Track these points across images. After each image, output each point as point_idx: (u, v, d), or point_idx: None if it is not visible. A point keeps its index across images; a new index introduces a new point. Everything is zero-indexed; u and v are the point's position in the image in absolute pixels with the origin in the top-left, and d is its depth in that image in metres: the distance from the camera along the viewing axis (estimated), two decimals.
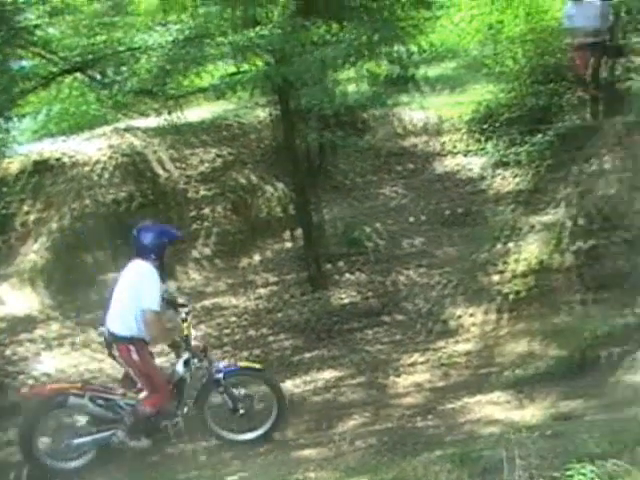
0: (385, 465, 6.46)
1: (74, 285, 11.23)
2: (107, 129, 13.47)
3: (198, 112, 14.03)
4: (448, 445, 6.90)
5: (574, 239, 10.28)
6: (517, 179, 12.63)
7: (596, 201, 10.41)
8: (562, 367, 8.81)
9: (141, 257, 7.79)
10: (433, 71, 16.75)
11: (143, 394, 7.75)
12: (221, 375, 8.12)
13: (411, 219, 12.95)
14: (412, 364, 9.77)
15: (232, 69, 12.00)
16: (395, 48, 12.92)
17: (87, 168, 12.24)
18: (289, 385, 8.79)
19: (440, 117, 14.94)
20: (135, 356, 7.61)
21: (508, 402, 8.45)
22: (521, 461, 4.93)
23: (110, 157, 12.43)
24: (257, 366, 8.92)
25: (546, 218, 11.06)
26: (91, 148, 12.61)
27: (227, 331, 10.89)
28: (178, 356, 8.08)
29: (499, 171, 13.14)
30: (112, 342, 7.77)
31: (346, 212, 13.06)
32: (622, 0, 15.19)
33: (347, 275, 11.80)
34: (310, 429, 8.54)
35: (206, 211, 12.66)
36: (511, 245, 11.15)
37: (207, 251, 12.35)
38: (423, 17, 12.99)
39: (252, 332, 10.87)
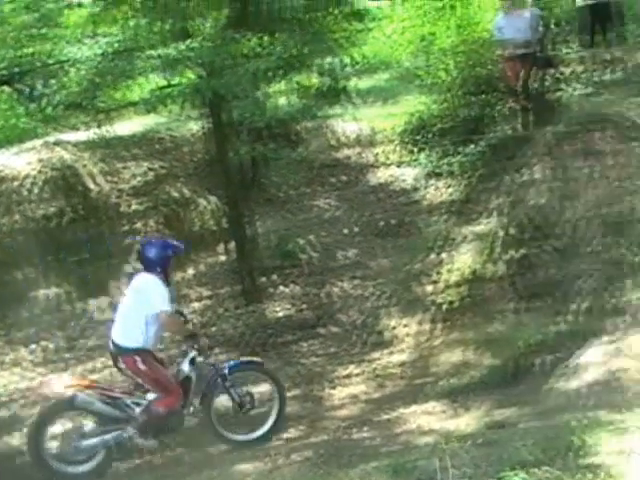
0: (321, 478, 6.41)
1: (4, 302, 10.98)
2: (37, 143, 13.17)
3: (130, 125, 13.86)
4: (384, 456, 6.86)
5: (506, 248, 10.35)
6: (450, 189, 12.69)
7: (527, 210, 10.50)
8: (496, 376, 8.86)
9: (147, 270, 8.04)
10: (366, 83, 16.75)
11: (153, 395, 7.92)
12: (226, 370, 8.33)
13: (345, 231, 12.92)
14: (347, 376, 9.75)
15: (164, 82, 11.89)
16: (327, 60, 12.94)
17: (16, 183, 11.97)
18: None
19: (373, 129, 14.95)
20: (141, 366, 7.80)
21: (443, 412, 8.47)
22: (455, 470, 4.92)
23: (40, 171, 12.17)
24: (259, 360, 9.19)
25: (479, 228, 11.12)
26: (20, 162, 12.34)
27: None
28: (195, 347, 8.29)
29: (432, 182, 13.18)
30: (117, 355, 7.97)
31: (280, 225, 12.97)
32: (551, 12, 15.48)
33: (281, 288, 11.73)
34: None
35: (138, 225, 12.49)
36: (444, 255, 11.19)
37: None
38: (355, 29, 13.03)
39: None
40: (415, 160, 13.82)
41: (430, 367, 9.77)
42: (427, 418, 8.35)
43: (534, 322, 9.42)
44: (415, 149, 13.98)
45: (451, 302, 10.40)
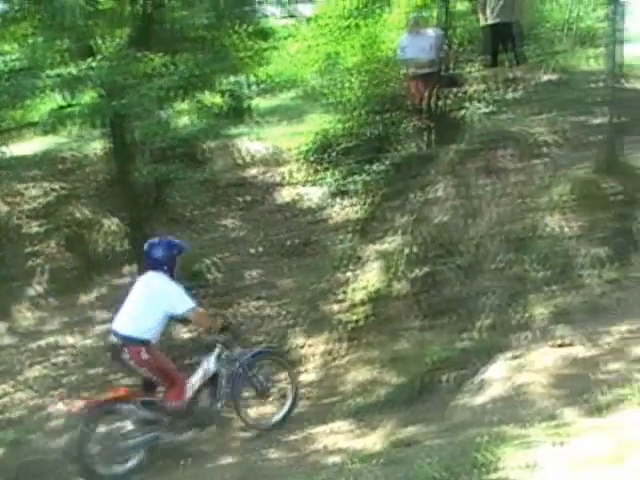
0: None
1: None
2: None
3: (31, 145, 13.60)
4: (292, 477, 6.84)
5: (411, 267, 10.35)
6: (355, 208, 12.75)
7: (431, 229, 10.55)
8: (403, 394, 8.84)
9: (153, 270, 8.38)
10: (271, 101, 16.77)
11: (162, 391, 8.33)
12: (249, 362, 8.85)
13: (251, 250, 12.88)
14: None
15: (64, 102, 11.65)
16: (232, 79, 12.88)
17: None
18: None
19: (279, 148, 14.97)
20: (145, 356, 8.05)
21: (351, 431, 8.43)
22: None
23: None
24: (274, 346, 10.25)
25: (383, 246, 11.12)
26: None
27: (63, 372, 10.52)
28: (220, 342, 8.72)
29: (337, 201, 13.23)
30: (123, 346, 8.13)
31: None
32: (455, 31, 15.71)
33: None
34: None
35: (40, 247, 12.24)
36: (350, 274, 11.16)
37: (42, 289, 11.93)
38: (260, 47, 13.01)
39: (91, 371, 10.53)
40: (321, 179, 13.85)
41: (337, 386, 9.73)
42: (335, 438, 8.30)
43: (440, 339, 9.45)
44: (320, 168, 14.02)
45: (357, 321, 10.37)
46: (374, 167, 12.85)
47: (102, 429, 8.04)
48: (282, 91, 17.92)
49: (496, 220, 10.02)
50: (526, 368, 7.59)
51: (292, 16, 16.23)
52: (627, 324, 7.70)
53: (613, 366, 6.92)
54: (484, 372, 8.03)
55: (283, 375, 9.38)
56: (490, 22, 13.42)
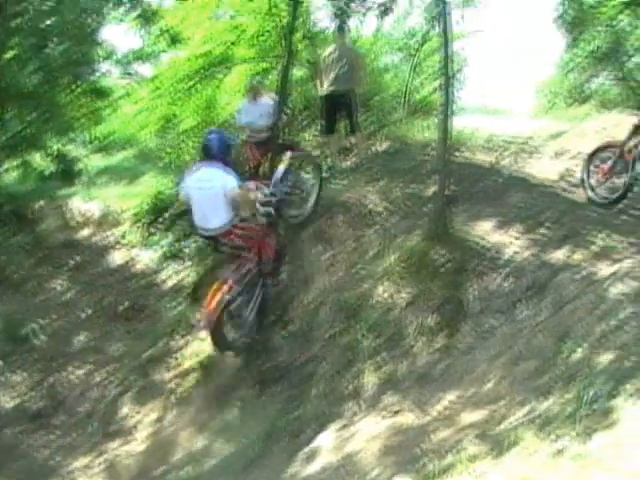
0: None
1: None
2: None
3: None
4: None
5: None
6: (186, 272, 12.59)
7: None
8: (234, 463, 8.72)
9: (211, 160, 9.48)
10: (106, 161, 16.54)
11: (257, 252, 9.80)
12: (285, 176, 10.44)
13: (81, 314, 12.52)
14: (83, 468, 9.33)
15: None
16: (65, 139, 12.62)
17: None
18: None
19: (113, 208, 14.72)
20: (238, 231, 9.50)
21: None
22: None
23: None
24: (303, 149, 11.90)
25: None
26: None
27: None
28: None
29: (170, 264, 13.05)
30: (217, 236, 9.55)
31: (13, 308, 12.39)
32: (293, 99, 15.91)
33: (10, 375, 11.13)
34: None
35: None
36: (181, 340, 11.01)
37: None
38: (97, 106, 12.81)
39: None
40: (154, 241, 13.65)
41: (167, 456, 9.48)
42: None
43: (272, 408, 9.35)
44: (154, 230, 13.83)
45: (188, 388, 10.20)
46: None
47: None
48: (119, 151, 17.72)
49: (329, 288, 10.08)
50: (356, 437, 7.60)
51: (131, 76, 16.11)
52: (455, 392, 7.79)
53: (442, 434, 6.97)
54: (316, 441, 7.99)
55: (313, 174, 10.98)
56: (327, 90, 13.60)
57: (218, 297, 9.39)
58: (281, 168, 10.81)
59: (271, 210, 9.85)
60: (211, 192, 9.31)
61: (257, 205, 9.77)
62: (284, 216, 10.32)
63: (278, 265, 10.22)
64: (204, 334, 10.06)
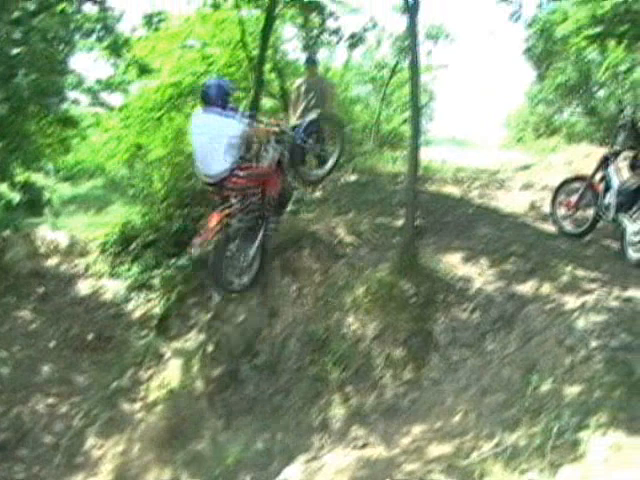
0: None
1: None
2: None
3: None
4: None
5: (209, 365, 10.23)
6: (154, 302, 12.51)
7: (226, 327, 10.46)
8: None
9: (210, 106, 9.64)
10: (75, 190, 16.46)
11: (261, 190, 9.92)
12: (303, 135, 10.44)
13: (49, 344, 12.38)
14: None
15: None
16: (35, 166, 12.55)
17: None
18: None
19: (81, 238, 14.65)
20: (241, 173, 9.59)
21: None
22: None
23: None
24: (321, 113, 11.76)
25: (181, 344, 10.96)
26: None
27: None
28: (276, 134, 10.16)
29: (139, 295, 12.97)
30: (222, 182, 9.58)
31: None
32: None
33: None
34: None
35: None
36: (148, 371, 10.90)
37: None
38: (67, 135, 12.77)
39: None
40: (125, 271, 13.58)
41: None
42: None
43: (240, 440, 9.26)
44: (121, 260, 13.76)
45: (155, 420, 10.08)
46: (173, 262, 12.70)
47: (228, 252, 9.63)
48: (88, 180, 17.66)
49: (297, 319, 10.04)
50: (324, 470, 7.53)
51: (100, 105, 16.07)
52: (422, 424, 7.77)
53: (410, 467, 6.93)
54: (283, 473, 7.91)
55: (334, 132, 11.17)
56: (297, 122, 13.64)
57: (219, 217, 9.59)
58: (307, 119, 11.13)
59: (283, 148, 10.17)
60: (210, 137, 9.49)
61: (271, 138, 10.10)
62: (299, 172, 10.68)
63: (282, 204, 10.42)
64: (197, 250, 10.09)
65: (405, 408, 8.26)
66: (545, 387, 6.97)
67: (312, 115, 11.32)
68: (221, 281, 9.89)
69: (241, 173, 9.57)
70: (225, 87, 9.90)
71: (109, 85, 17.58)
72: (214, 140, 9.45)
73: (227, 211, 9.64)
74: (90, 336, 12.39)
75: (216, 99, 9.64)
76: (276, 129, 10.26)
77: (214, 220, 9.54)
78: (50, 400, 11.18)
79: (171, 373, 10.54)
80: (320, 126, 11.58)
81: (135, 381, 10.92)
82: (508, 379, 7.51)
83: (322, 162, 11.45)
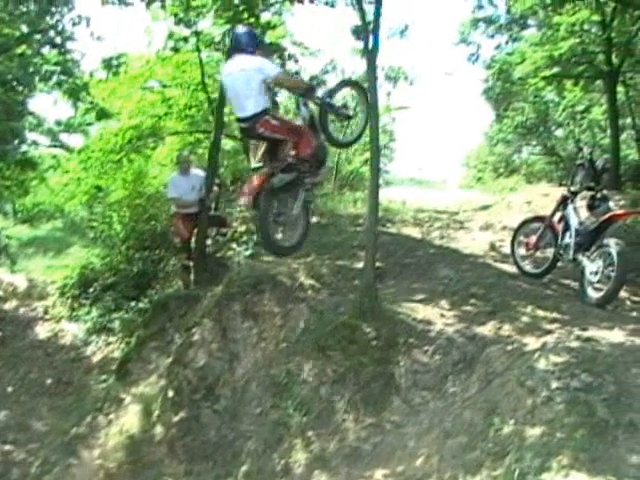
0: None
1: None
2: None
3: None
4: None
5: (168, 411, 10.09)
6: (114, 346, 12.40)
7: (191, 371, 10.36)
8: None
9: (241, 51, 9.27)
10: (35, 232, 16.33)
11: (294, 147, 9.38)
12: (329, 98, 9.73)
13: (9, 389, 12.23)
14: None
15: None
16: None
17: None
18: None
19: (40, 281, 14.52)
20: (274, 122, 9.17)
21: None
22: None
23: None
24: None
25: (140, 389, 10.85)
26: None
27: None
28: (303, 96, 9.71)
29: (98, 338, 12.86)
30: (254, 125, 9.11)
31: None
32: (224, 170, 15.94)
33: None
34: None
35: None
36: (109, 417, 10.77)
37: None
38: (26, 177, 12.69)
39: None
40: (81, 315, 13.47)
41: None
42: None
43: None
44: (80, 303, 13.66)
45: (115, 467, 9.94)
46: (133, 305, 12.61)
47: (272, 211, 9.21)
48: (46, 222, 17.53)
49: (257, 364, 9.97)
50: None
51: (61, 146, 16.00)
52: (385, 469, 7.72)
53: None
54: None
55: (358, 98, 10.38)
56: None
57: (260, 179, 9.35)
58: (337, 82, 10.78)
59: (312, 108, 9.88)
60: (246, 78, 9.20)
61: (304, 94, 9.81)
62: (329, 134, 10.10)
63: (318, 163, 9.81)
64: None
65: (367, 452, 8.19)
66: (507, 429, 6.95)
67: (340, 82, 10.85)
68: (270, 242, 9.51)
69: (272, 120, 9.24)
70: (257, 35, 9.84)
71: (69, 126, 17.56)
72: (251, 79, 9.15)
73: (266, 171, 9.40)
74: (49, 381, 12.25)
75: (247, 45, 9.41)
76: (308, 83, 10.25)
77: (255, 180, 9.43)
78: (7, 447, 11.03)
79: (131, 418, 10.41)
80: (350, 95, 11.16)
81: (94, 427, 10.76)
82: (470, 421, 7.48)
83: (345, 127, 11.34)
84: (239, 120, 9.42)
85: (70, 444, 10.68)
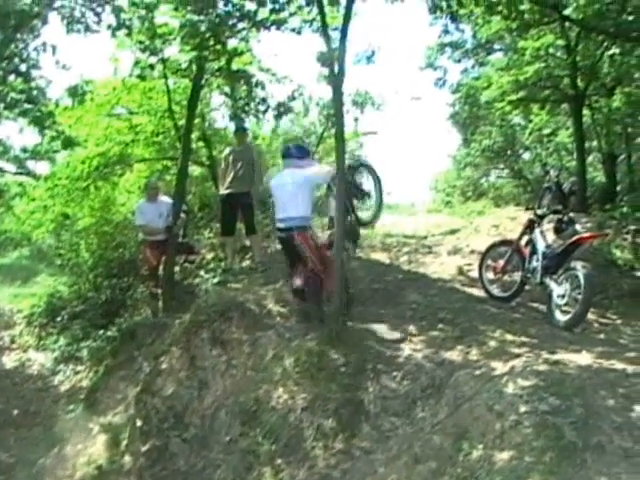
0: None
1: None
2: None
3: None
4: None
5: (138, 440, 10.01)
6: (82, 375, 12.29)
7: (160, 400, 10.26)
8: None
9: (291, 166, 10.31)
10: (1, 260, 16.21)
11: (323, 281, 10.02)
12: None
13: None
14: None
15: None
16: None
17: None
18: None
19: (7, 309, 14.40)
20: (311, 242, 9.94)
21: None
22: None
23: None
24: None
25: (108, 418, 10.75)
26: None
27: None
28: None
29: (66, 367, 12.74)
30: (293, 234, 9.90)
31: None
32: (192, 197, 15.90)
33: None
34: None
35: None
36: (77, 447, 10.66)
37: None
38: None
39: None
40: (48, 344, 13.35)
41: None
42: None
43: None
44: (48, 332, 13.55)
45: None
46: (102, 333, 12.52)
47: None
48: (13, 249, 17.41)
49: (225, 392, 9.90)
50: None
51: (28, 173, 15.91)
52: None
53: None
54: None
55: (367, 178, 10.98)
56: (225, 191, 13.60)
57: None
58: (352, 164, 11.30)
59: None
60: (292, 183, 10.07)
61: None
62: (356, 213, 10.91)
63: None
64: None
65: (337, 479, 8.14)
66: (476, 454, 6.94)
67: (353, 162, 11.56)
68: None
69: (311, 240, 10.00)
70: (306, 147, 11.18)
71: (35, 153, 17.46)
72: (303, 186, 10.08)
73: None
74: (16, 411, 12.10)
75: (297, 154, 10.45)
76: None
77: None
78: None
79: (99, 449, 10.31)
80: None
81: (62, 458, 10.66)
82: (439, 447, 7.45)
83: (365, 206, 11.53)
84: (280, 220, 10.15)
85: (37, 476, 10.56)
